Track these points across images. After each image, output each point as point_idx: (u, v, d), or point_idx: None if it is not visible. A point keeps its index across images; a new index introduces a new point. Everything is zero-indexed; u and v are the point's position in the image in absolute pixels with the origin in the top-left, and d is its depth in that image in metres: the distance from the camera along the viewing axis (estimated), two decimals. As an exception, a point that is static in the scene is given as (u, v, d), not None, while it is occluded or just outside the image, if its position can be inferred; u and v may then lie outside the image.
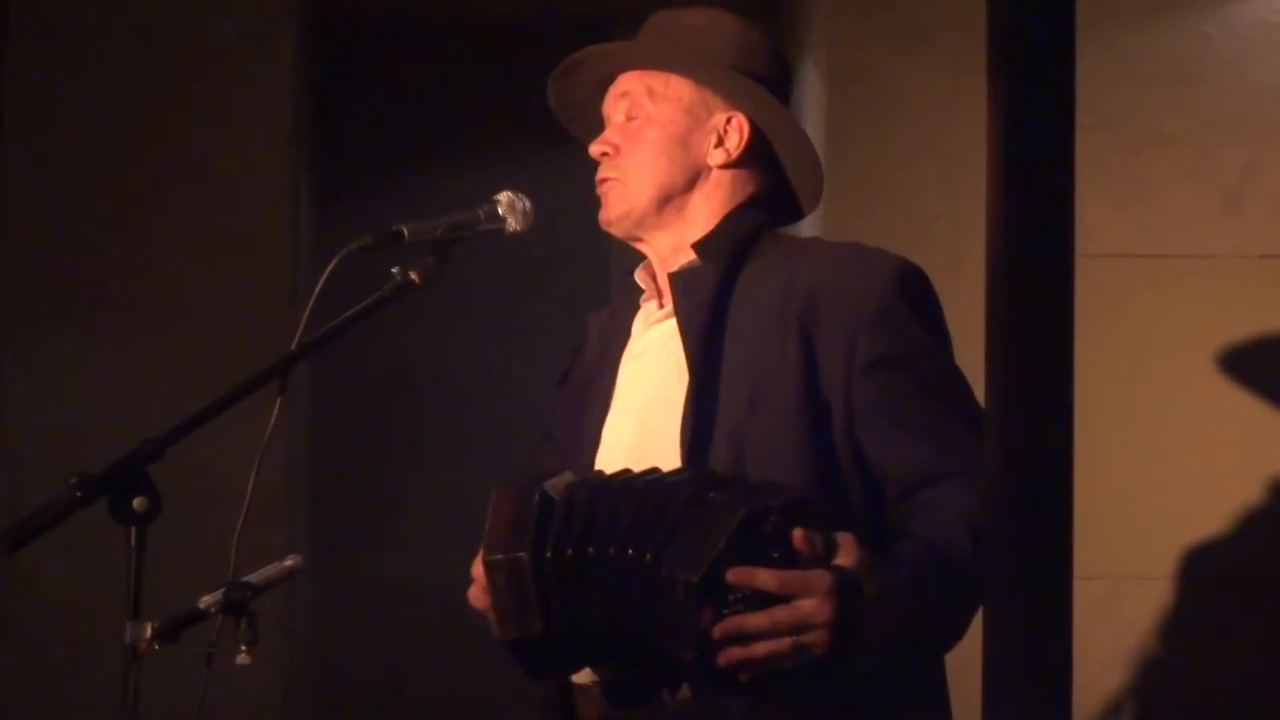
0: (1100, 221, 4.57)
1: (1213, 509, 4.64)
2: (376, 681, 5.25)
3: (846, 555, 2.48)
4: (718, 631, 2.43)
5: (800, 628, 2.45)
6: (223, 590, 2.52)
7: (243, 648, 2.51)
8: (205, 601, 2.53)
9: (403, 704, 5.25)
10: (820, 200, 2.90)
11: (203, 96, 4.86)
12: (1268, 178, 4.65)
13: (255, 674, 2.76)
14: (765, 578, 2.43)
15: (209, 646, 2.52)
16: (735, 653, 2.44)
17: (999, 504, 4.35)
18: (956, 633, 2.59)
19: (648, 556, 2.44)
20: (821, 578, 2.45)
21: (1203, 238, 4.64)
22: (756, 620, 2.43)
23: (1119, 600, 4.61)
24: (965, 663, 4.24)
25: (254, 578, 2.56)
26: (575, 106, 2.92)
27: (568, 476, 2.57)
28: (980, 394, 4.03)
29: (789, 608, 2.43)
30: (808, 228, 4.43)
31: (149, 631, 2.46)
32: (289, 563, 2.61)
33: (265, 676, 4.51)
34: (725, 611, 2.42)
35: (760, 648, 2.44)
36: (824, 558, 2.46)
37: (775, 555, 2.44)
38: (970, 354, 4.26)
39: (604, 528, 2.48)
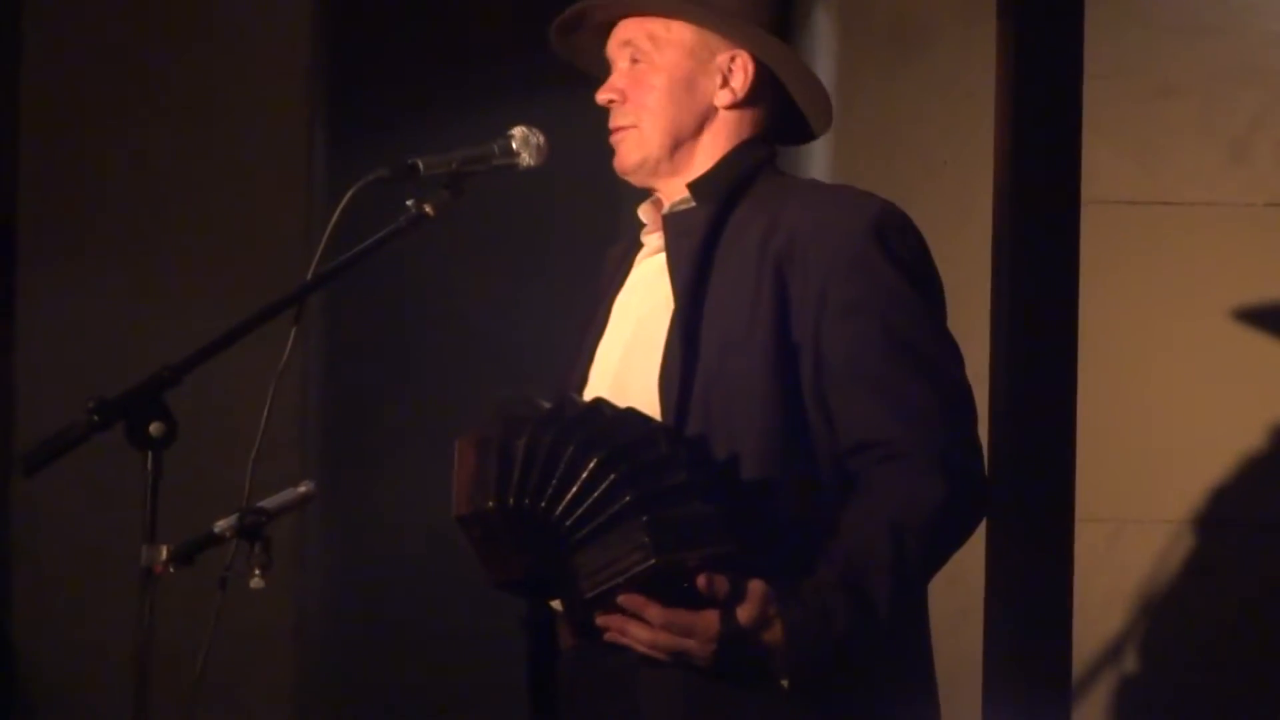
0: (1108, 168, 4.58)
1: (1215, 454, 4.66)
2: (387, 611, 5.29)
3: (750, 606, 2.51)
4: (600, 622, 2.53)
5: (679, 655, 2.52)
6: (237, 515, 2.54)
7: (257, 571, 2.52)
8: (220, 526, 2.54)
9: (413, 632, 5.29)
10: (831, 122, 2.90)
11: (219, 32, 4.88)
12: (1275, 126, 4.66)
13: (269, 601, 2.80)
14: (653, 613, 2.50)
15: (224, 570, 2.54)
16: (613, 635, 2.54)
17: (1002, 447, 4.39)
18: (883, 636, 2.60)
19: (574, 538, 2.50)
20: (710, 625, 2.50)
21: (1210, 185, 4.65)
22: (639, 632, 2.52)
23: (1120, 543, 4.64)
24: (964, 604, 4.29)
25: (268, 503, 2.57)
26: (581, 52, 2.94)
27: (533, 410, 2.58)
28: (979, 343, 4.07)
29: (672, 638, 2.51)
30: (817, 176, 4.45)
31: (164, 555, 2.47)
32: (303, 489, 2.63)
33: (278, 604, 4.56)
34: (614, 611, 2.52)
35: (638, 646, 2.54)
36: (726, 603, 2.50)
37: (684, 586, 2.49)
38: (978, 298, 4.30)
39: (557, 488, 2.50)
